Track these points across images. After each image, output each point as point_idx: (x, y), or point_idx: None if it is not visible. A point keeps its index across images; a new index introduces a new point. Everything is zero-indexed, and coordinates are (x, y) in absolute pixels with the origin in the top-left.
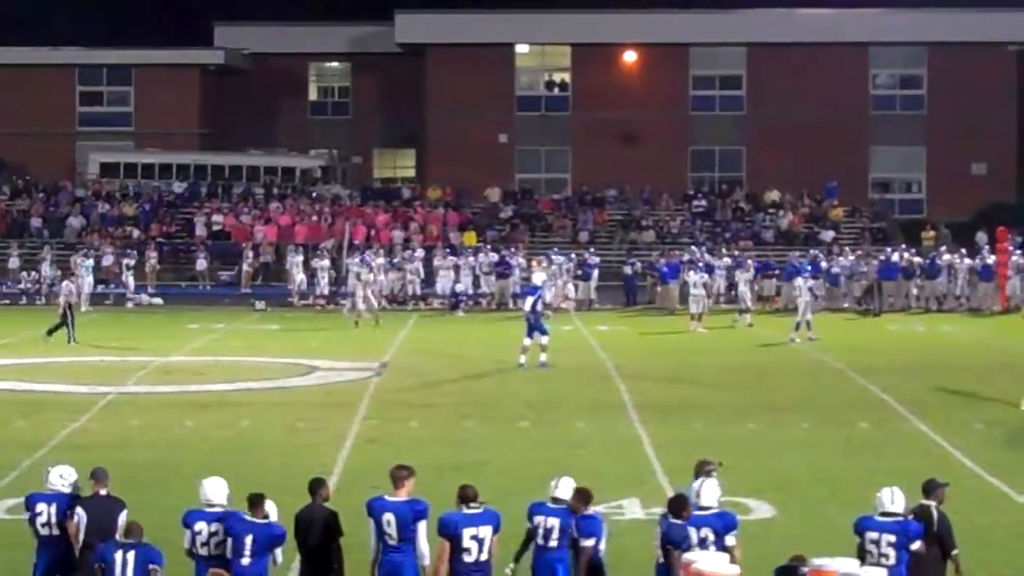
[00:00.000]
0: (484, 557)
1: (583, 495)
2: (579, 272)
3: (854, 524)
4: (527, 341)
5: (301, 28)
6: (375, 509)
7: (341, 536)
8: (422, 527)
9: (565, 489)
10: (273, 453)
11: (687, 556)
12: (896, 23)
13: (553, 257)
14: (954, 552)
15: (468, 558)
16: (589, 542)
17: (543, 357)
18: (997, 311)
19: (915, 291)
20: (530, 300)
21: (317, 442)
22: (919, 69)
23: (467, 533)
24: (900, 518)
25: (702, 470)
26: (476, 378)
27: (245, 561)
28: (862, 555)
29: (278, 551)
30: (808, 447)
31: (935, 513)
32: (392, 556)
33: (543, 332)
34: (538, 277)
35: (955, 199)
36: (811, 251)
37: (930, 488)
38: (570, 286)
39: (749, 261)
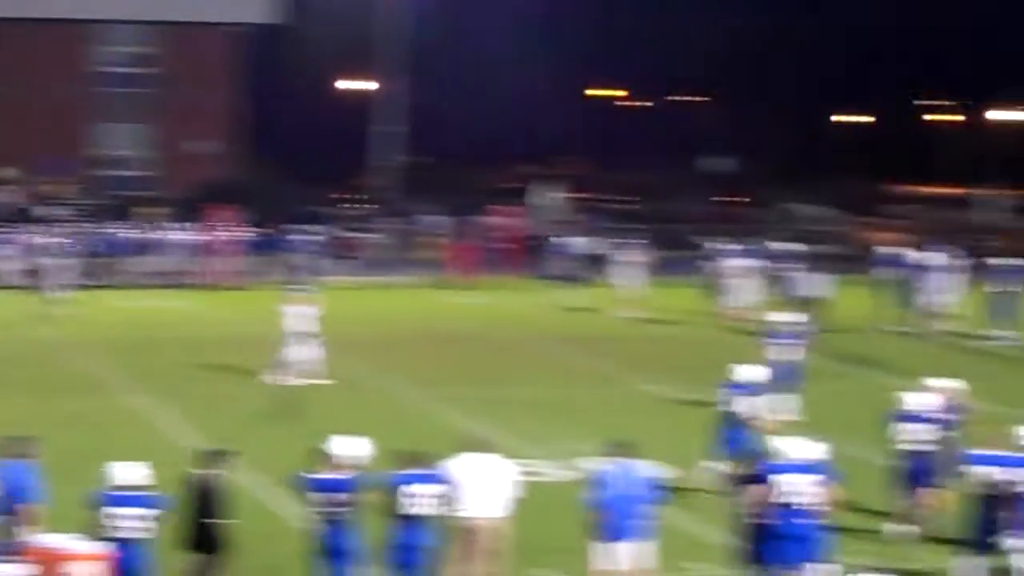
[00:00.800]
0: None
1: None
2: None
3: (90, 498)
4: None
5: None
6: None
7: None
8: None
9: None
10: None
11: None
12: (123, 2)
13: None
14: (221, 521)
15: None
16: None
17: None
18: (225, 286)
19: (141, 268)
20: None
21: None
22: (146, 48)
23: None
24: (144, 492)
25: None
26: None
27: None
28: (100, 529)
29: None
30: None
31: (210, 481)
32: None
33: None
34: None
35: (180, 176)
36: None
37: (211, 457)
38: None
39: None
